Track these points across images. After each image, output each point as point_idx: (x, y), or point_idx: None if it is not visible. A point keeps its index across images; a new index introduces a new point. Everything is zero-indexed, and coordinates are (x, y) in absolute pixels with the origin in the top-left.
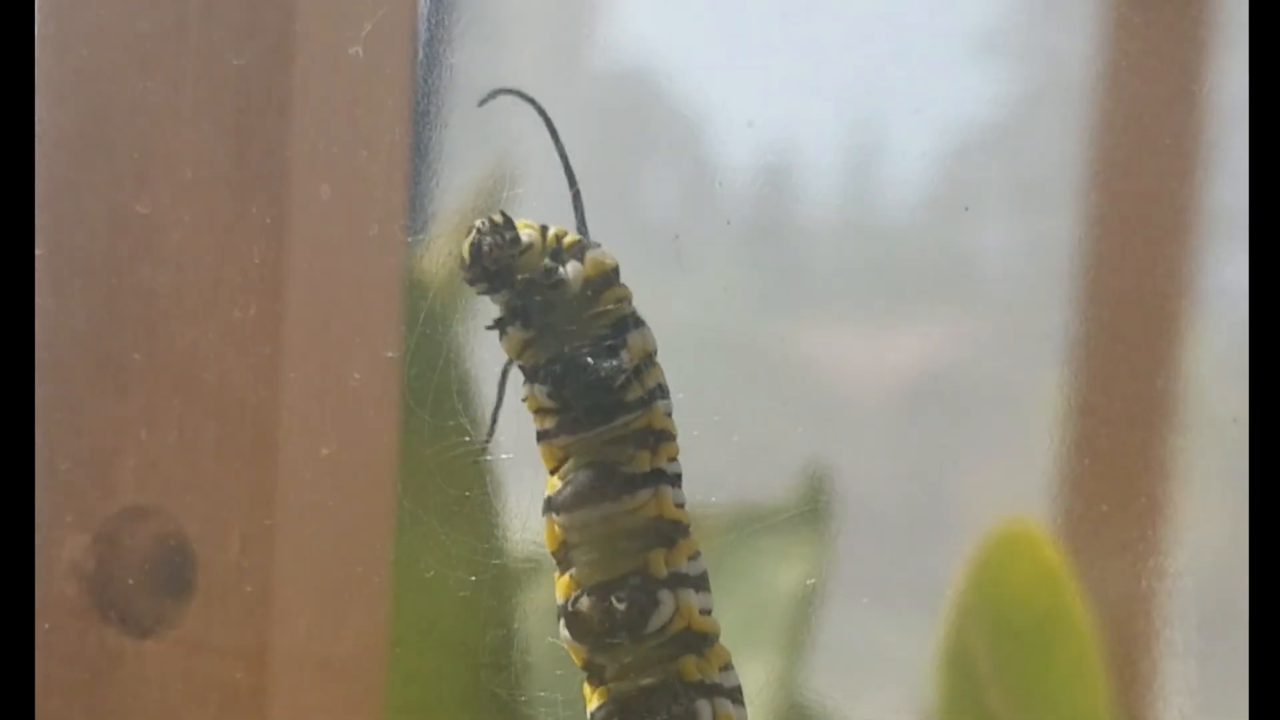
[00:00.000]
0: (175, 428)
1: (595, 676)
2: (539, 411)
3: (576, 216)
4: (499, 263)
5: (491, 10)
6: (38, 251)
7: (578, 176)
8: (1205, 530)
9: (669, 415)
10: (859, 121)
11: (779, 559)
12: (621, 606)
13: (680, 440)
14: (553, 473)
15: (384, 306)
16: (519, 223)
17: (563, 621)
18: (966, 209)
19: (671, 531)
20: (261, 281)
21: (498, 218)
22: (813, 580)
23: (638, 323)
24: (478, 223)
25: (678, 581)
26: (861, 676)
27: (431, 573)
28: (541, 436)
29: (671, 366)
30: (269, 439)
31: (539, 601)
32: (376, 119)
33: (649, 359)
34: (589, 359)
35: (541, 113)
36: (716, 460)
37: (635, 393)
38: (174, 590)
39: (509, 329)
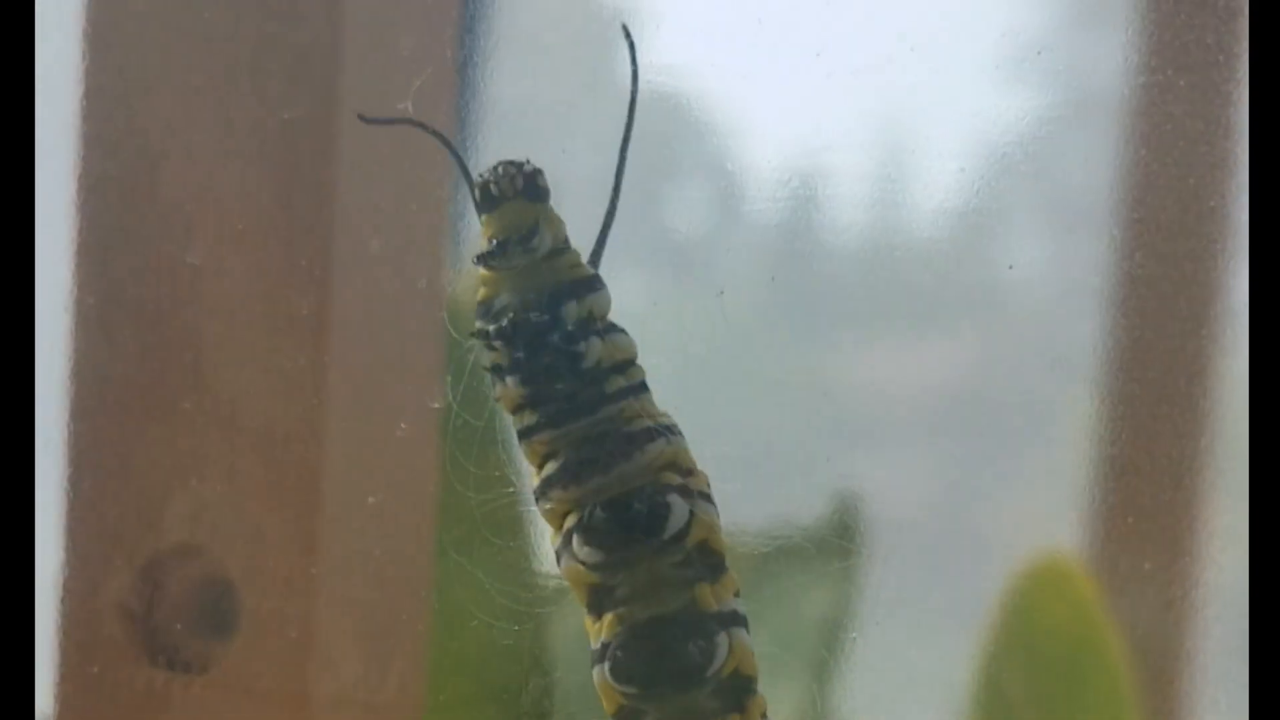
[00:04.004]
0: (222, 473)
1: (605, 600)
2: (516, 409)
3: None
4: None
5: (523, 36)
6: (88, 299)
7: (611, 193)
8: (1241, 558)
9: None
10: (889, 140)
11: (810, 583)
12: (640, 508)
13: (711, 464)
14: (539, 468)
15: (430, 358)
16: (552, 213)
17: (578, 537)
18: (1010, 268)
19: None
20: (309, 332)
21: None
22: (843, 604)
23: (611, 329)
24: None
25: (690, 496)
26: (893, 702)
27: (475, 622)
28: (523, 435)
29: (696, 390)
30: (315, 487)
31: (582, 651)
32: (426, 173)
33: (629, 361)
34: (555, 344)
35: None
36: (747, 484)
37: (616, 384)
38: (218, 632)
39: (491, 341)
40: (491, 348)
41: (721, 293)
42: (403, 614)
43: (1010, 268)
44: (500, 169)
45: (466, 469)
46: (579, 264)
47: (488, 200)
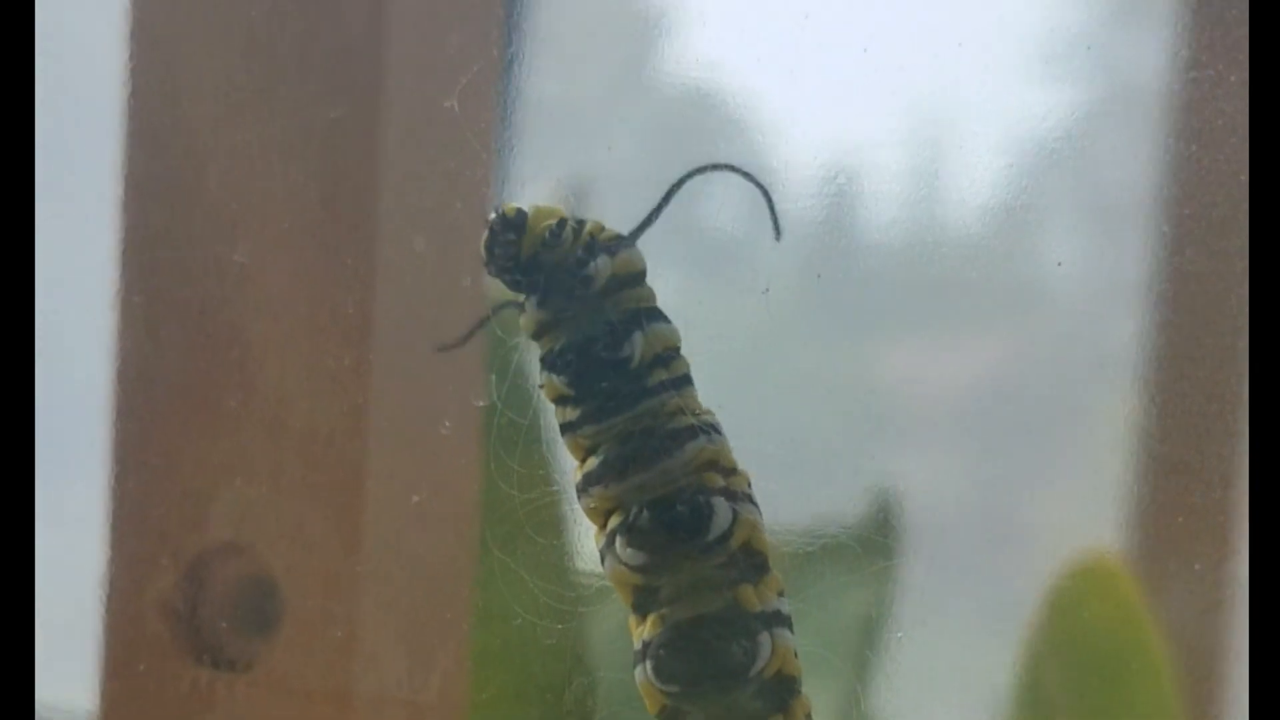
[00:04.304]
0: (266, 472)
1: (649, 600)
2: (559, 401)
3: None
4: (507, 259)
5: (560, 33)
6: (135, 298)
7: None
8: None
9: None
10: (925, 138)
11: (852, 581)
12: (683, 510)
13: (752, 462)
14: (581, 462)
15: (473, 356)
16: (542, 209)
17: (621, 539)
18: (1059, 265)
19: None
20: (354, 330)
21: (510, 211)
22: (885, 603)
23: (654, 316)
24: (491, 216)
25: (733, 497)
26: (935, 702)
27: (519, 620)
28: (565, 428)
29: (738, 389)
30: (358, 485)
31: (625, 651)
32: (470, 171)
33: (672, 351)
34: (601, 350)
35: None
36: (789, 482)
37: (657, 377)
38: (262, 630)
39: (528, 307)
40: (550, 369)
41: (767, 290)
42: (446, 612)
43: (1059, 264)
44: (486, 252)
45: (511, 467)
46: (605, 229)
47: (508, 272)
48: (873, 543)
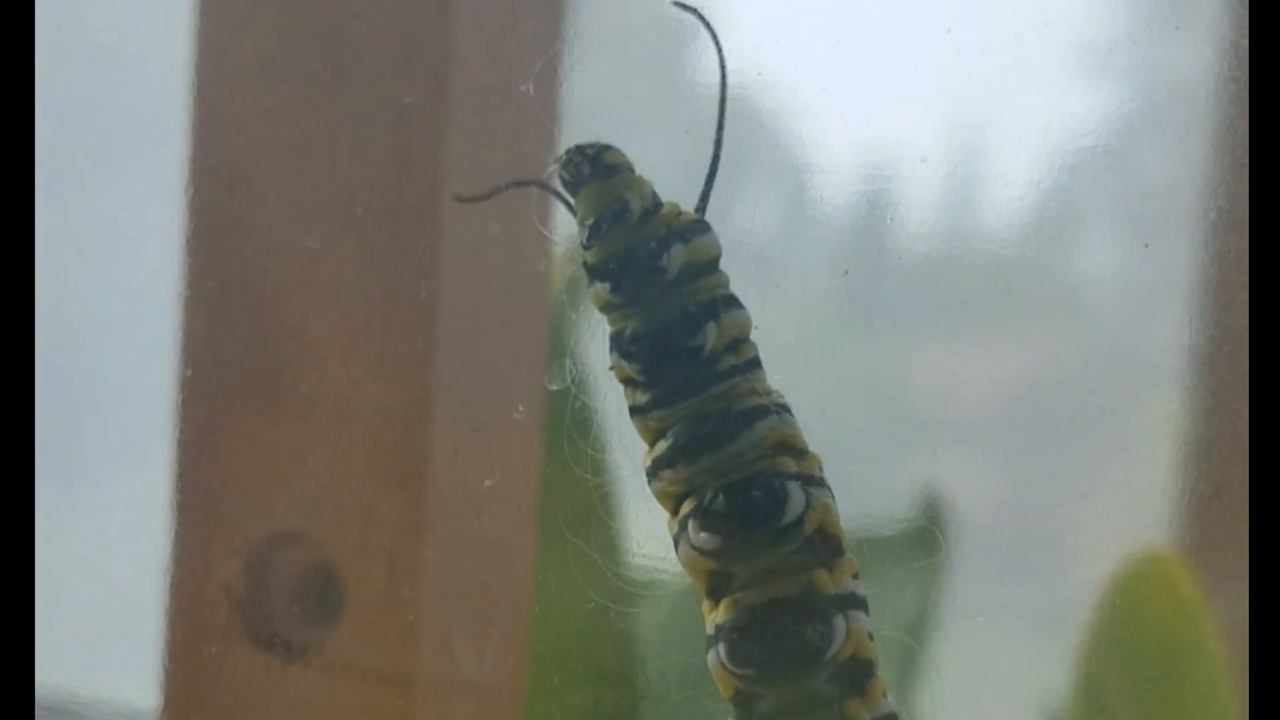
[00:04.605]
0: (333, 458)
1: (723, 586)
2: (627, 383)
3: (706, 187)
4: (574, 179)
5: (600, 29)
6: (207, 284)
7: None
8: None
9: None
10: (964, 140)
11: (897, 581)
12: (758, 494)
13: None
14: (651, 446)
15: (543, 340)
16: (635, 179)
17: (694, 523)
18: (1147, 245)
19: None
20: (424, 316)
21: (606, 154)
22: (931, 604)
23: (733, 304)
24: (587, 145)
25: (807, 481)
26: (984, 702)
27: (590, 605)
28: (634, 411)
29: (782, 390)
30: (425, 471)
31: (697, 636)
32: (543, 154)
33: (742, 338)
34: (673, 338)
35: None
36: (831, 485)
37: (727, 362)
38: (326, 616)
39: (597, 284)
40: (621, 353)
41: (846, 272)
42: (513, 597)
43: (1146, 246)
44: (566, 157)
45: (585, 451)
46: (681, 213)
47: (569, 189)
48: (916, 543)
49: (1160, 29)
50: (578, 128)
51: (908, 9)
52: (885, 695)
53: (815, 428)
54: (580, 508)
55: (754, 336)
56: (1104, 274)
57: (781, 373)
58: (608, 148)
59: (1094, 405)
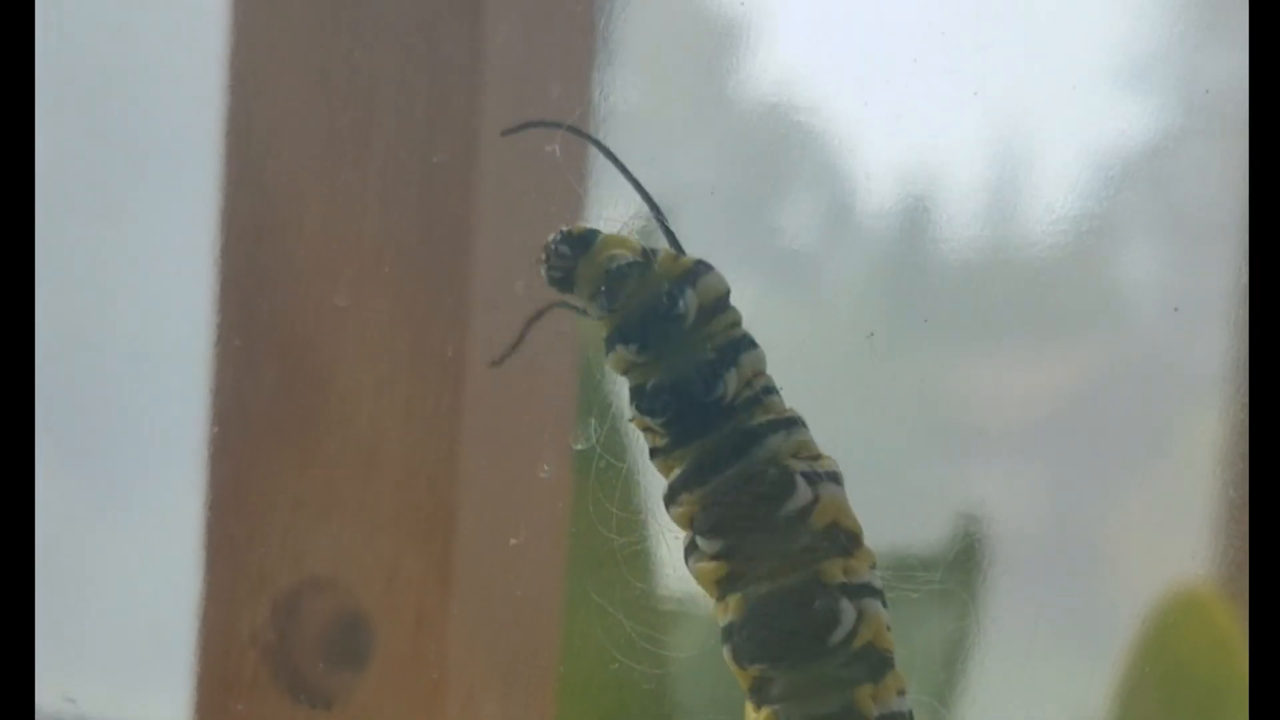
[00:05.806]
0: (360, 511)
1: (732, 588)
2: (648, 430)
3: (666, 236)
4: (563, 270)
5: (638, 47)
6: (234, 340)
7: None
8: None
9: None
10: (1005, 151)
11: (932, 600)
12: (764, 488)
13: None
14: (668, 476)
15: (570, 398)
16: (614, 238)
17: (699, 524)
18: (1142, 277)
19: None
20: (452, 373)
21: (577, 231)
22: (966, 624)
23: (748, 345)
24: (553, 235)
25: (815, 477)
26: None
27: (615, 665)
28: (654, 453)
29: (815, 408)
30: (452, 526)
31: (727, 697)
32: (569, 214)
33: (758, 373)
34: (696, 391)
35: (600, 146)
36: (866, 503)
37: (744, 396)
38: (352, 667)
39: (619, 347)
40: (642, 407)
41: (871, 334)
42: (538, 655)
43: (1142, 274)
44: (544, 255)
45: (609, 510)
46: (677, 257)
47: (563, 284)
48: (952, 562)
49: (1201, 41)
50: (604, 189)
51: (949, 20)
52: (902, 694)
53: (848, 445)
54: (606, 568)
55: (795, 347)
56: (1146, 284)
57: (813, 384)
58: (573, 227)
59: (1136, 417)
